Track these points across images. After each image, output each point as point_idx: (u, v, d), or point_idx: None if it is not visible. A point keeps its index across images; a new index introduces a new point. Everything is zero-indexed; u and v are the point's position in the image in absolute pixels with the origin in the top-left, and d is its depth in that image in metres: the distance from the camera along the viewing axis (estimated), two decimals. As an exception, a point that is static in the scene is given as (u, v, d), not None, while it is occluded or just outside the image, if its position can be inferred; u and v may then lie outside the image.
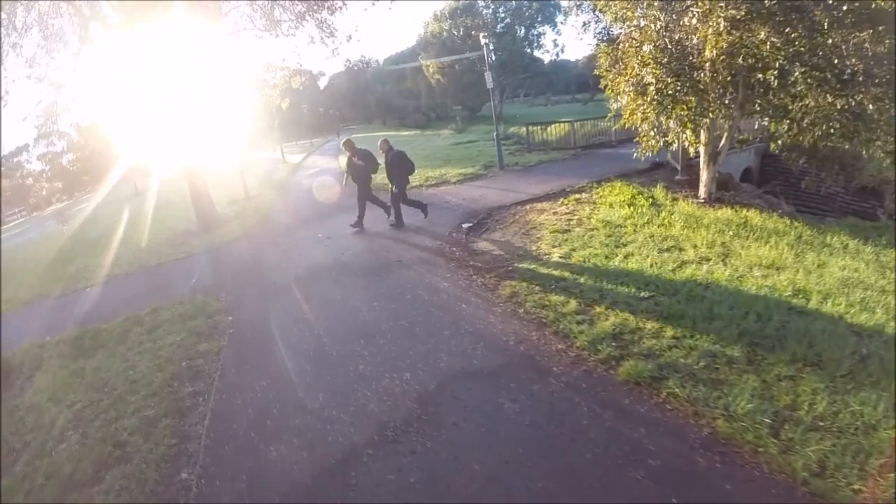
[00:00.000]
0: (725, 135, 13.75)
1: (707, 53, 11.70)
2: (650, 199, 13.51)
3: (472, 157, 25.51)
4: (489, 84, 21.49)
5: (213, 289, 11.23)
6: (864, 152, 11.57)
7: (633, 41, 13.21)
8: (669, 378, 5.57)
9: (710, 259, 9.20)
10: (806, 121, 11.34)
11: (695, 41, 12.20)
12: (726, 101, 12.61)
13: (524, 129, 28.05)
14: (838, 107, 10.62)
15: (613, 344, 6.43)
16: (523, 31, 61.60)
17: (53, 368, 8.64)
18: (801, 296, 7.60)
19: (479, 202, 15.23)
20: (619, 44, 14.18)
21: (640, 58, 12.68)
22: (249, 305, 9.82)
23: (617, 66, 14.12)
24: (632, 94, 13.09)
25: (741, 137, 15.65)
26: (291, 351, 7.52)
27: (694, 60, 12.22)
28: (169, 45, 16.08)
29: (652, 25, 12.71)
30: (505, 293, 8.32)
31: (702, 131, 13.48)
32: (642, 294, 7.76)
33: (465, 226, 12.85)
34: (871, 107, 10.32)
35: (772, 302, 7.30)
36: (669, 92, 12.23)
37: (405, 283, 9.36)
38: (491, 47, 23.14)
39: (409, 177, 13.62)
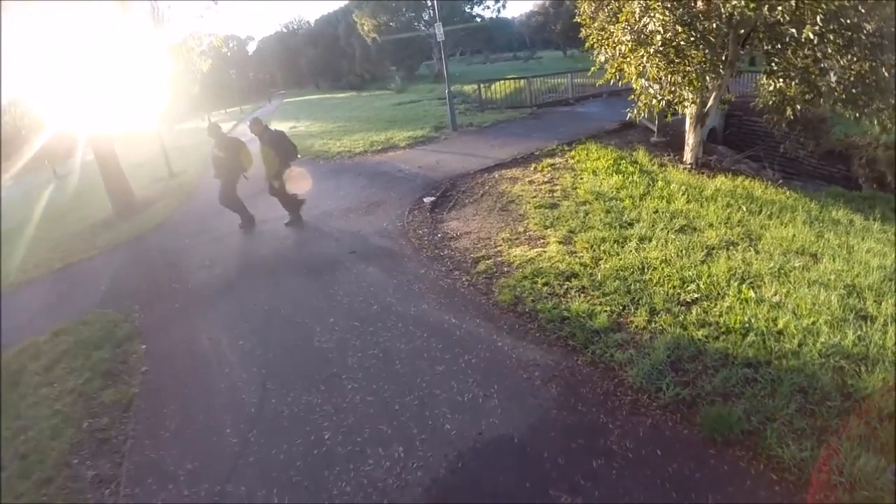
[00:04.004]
0: (714, 94, 12.30)
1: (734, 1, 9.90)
2: (636, 166, 12.10)
3: (419, 118, 23.44)
4: (440, 37, 19.30)
5: (124, 299, 9.04)
6: (873, 122, 10.45)
7: None
8: (767, 429, 4.01)
9: (737, 243, 7.71)
10: (825, 85, 10.16)
11: None
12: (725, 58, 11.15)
13: (473, 87, 26.67)
14: (859, 72, 9.70)
15: (675, 378, 4.73)
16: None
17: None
18: (855, 295, 6.09)
19: (438, 170, 13.35)
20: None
21: (641, 1, 10.73)
22: (168, 326, 7.69)
23: (603, 11, 12.20)
24: (630, 44, 11.16)
25: (726, 97, 14.14)
26: (224, 406, 5.48)
27: (706, 7, 10.44)
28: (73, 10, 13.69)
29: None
30: (504, 298, 6.46)
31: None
32: (684, 296, 6.11)
33: (426, 200, 10.95)
34: (886, 74, 9.48)
35: (831, 305, 5.79)
36: (681, 43, 10.42)
37: (368, 286, 7.41)
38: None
39: (292, 163, 11.01)
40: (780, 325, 5.40)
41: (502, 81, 25.96)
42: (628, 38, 11.14)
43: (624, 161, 12.37)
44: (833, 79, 9.92)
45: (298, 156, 11.04)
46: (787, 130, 14.86)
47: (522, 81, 24.90)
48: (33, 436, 5.80)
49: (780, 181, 12.84)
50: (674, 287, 6.37)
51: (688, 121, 12.99)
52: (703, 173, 12.13)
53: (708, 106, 12.45)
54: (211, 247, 10.75)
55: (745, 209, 9.26)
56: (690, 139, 12.99)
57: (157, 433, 5.32)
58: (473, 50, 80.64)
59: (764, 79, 11.86)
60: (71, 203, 22.83)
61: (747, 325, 5.45)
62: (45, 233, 17.96)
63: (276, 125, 30.69)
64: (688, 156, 13.09)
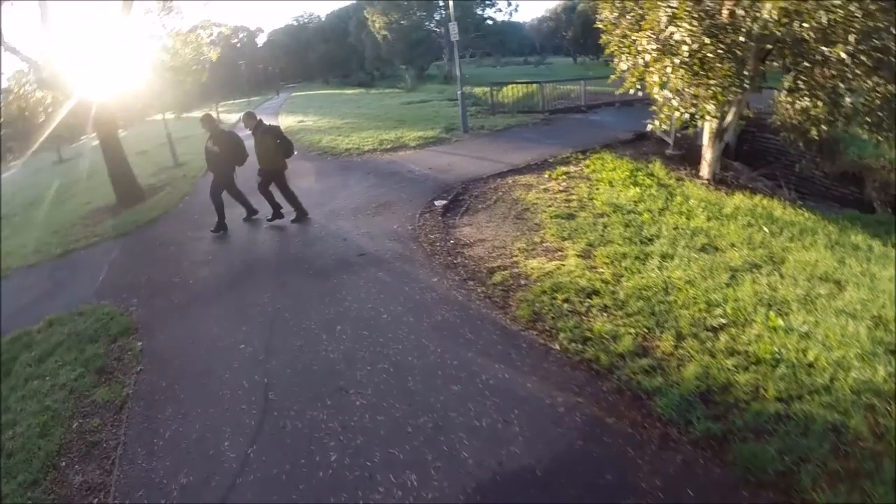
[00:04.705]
0: (734, 110, 11.89)
1: (764, 14, 9.53)
2: (653, 178, 11.76)
3: (429, 119, 23.08)
4: (454, 36, 18.96)
5: (122, 291, 8.78)
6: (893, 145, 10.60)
7: None
8: (801, 471, 3.73)
9: (760, 266, 7.37)
10: (850, 107, 9.91)
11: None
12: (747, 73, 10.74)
13: (483, 89, 26.36)
14: (885, 95, 9.45)
15: (706, 411, 4.41)
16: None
17: None
18: (882, 327, 5.73)
19: (450, 172, 12.98)
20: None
21: (668, 9, 10.36)
22: (166, 323, 7.38)
23: (625, 18, 11.83)
24: (654, 53, 10.81)
25: (745, 113, 13.83)
26: (223, 416, 5.15)
27: (730, 19, 10.10)
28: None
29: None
30: (522, 313, 6.13)
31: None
32: (710, 321, 5.79)
33: (438, 203, 10.60)
34: None
35: (860, 338, 5.46)
36: (708, 55, 10.08)
37: (377, 293, 7.07)
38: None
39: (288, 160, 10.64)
40: (811, 357, 5.09)
41: (513, 85, 25.64)
42: (653, 47, 10.79)
43: (640, 173, 12.02)
44: (860, 100, 9.66)
45: (296, 152, 10.67)
46: (802, 150, 14.61)
47: (534, 86, 24.49)
48: (21, 432, 5.55)
49: (798, 202, 12.55)
50: (700, 310, 6.04)
51: (706, 135, 12.63)
52: (720, 189, 11.80)
53: (728, 121, 12.11)
54: (214, 241, 10.44)
55: (766, 230, 8.94)
56: (708, 154, 12.64)
57: (151, 440, 5.03)
58: (483, 52, 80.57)
59: (782, 96, 11.55)
60: (74, 187, 22.57)
61: (777, 355, 5.15)
62: (46, 216, 17.71)
63: (283, 118, 30.63)
64: (705, 171, 12.74)
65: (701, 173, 12.80)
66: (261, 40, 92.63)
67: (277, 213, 10.68)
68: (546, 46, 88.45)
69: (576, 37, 72.35)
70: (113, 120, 16.13)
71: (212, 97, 43.40)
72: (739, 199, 10.72)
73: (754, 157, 19.89)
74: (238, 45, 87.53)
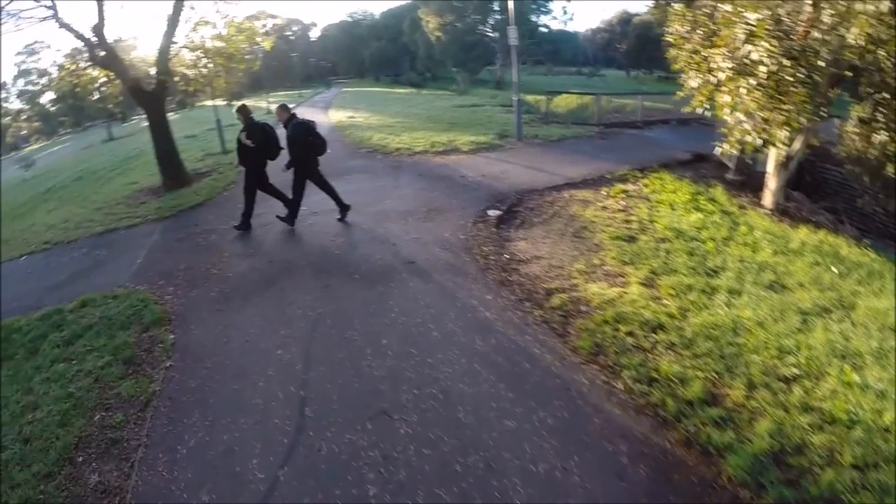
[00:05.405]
0: (801, 137, 11.24)
1: (850, 38, 8.87)
2: (715, 204, 11.21)
3: (482, 124, 22.51)
4: (513, 41, 18.41)
5: (159, 278, 8.50)
6: None
7: (735, 4, 10.23)
8: None
9: (830, 311, 6.80)
10: None
11: (827, 19, 9.38)
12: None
13: (535, 97, 25.83)
14: None
15: (780, 475, 3.96)
16: (531, -7, 59.16)
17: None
18: None
19: (503, 181, 12.46)
20: (702, 7, 11.25)
21: (745, 26, 9.71)
22: (201, 317, 7.04)
23: (697, 33, 11.19)
24: (728, 72, 10.16)
25: (812, 142, 13.13)
26: (253, 429, 4.75)
27: (807, 41, 9.47)
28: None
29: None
30: (583, 345, 5.62)
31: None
32: (783, 370, 5.29)
33: (492, 213, 10.11)
34: None
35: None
36: (786, 77, 9.42)
37: (427, 307, 6.61)
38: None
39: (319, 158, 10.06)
40: (887, 420, 4.58)
41: (567, 95, 25.09)
42: (728, 65, 10.15)
43: (702, 197, 11.46)
44: None
45: (329, 150, 10.18)
46: (867, 184, 13.94)
47: (589, 98, 23.91)
48: (41, 417, 5.31)
49: (864, 240, 11.86)
50: (771, 357, 5.50)
51: (770, 162, 11.99)
52: (783, 221, 11.19)
53: (795, 149, 11.47)
54: (256, 233, 10.13)
55: (834, 270, 8.36)
56: (772, 182, 12.02)
57: (174, 446, 4.67)
58: (535, 60, 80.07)
59: (850, 126, 10.87)
60: (121, 166, 22.69)
61: (853, 415, 4.65)
62: (92, 193, 17.73)
63: (334, 112, 30.56)
64: (768, 200, 12.11)
65: (763, 202, 12.19)
66: (314, 34, 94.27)
67: (291, 213, 10.22)
68: (599, 58, 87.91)
69: (630, 50, 71.63)
70: (162, 102, 16.02)
71: (263, 87, 43.83)
72: (804, 234, 10.16)
73: (813, 187, 19.24)
74: (292, 37, 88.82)
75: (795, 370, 5.33)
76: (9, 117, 70.52)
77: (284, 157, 9.85)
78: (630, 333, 5.82)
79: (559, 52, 76.29)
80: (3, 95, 67.87)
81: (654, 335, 5.84)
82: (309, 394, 5.11)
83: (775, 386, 5.03)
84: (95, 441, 4.87)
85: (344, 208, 10.21)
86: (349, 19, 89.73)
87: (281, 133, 9.92)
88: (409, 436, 4.43)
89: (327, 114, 30.95)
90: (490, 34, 62.83)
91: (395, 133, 20.25)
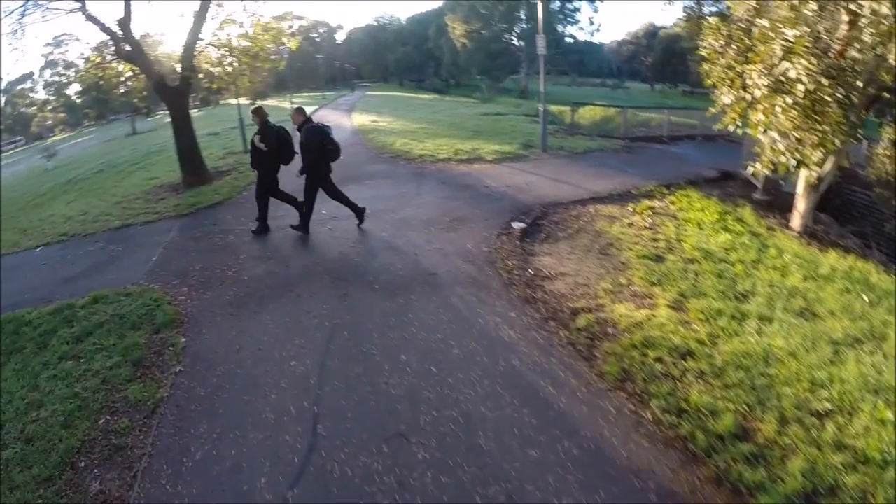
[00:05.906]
0: (833, 159, 10.93)
1: (891, 58, 8.57)
2: (744, 225, 10.89)
3: (506, 133, 22.33)
4: (541, 50, 18.20)
5: (173, 277, 8.36)
6: None
7: (773, 20, 9.92)
8: None
9: (862, 342, 6.46)
10: None
11: (868, 38, 9.07)
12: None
13: (559, 108, 25.59)
14: None
15: None
16: (558, 3, 58.93)
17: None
18: None
19: (528, 193, 12.21)
20: (738, 21, 10.95)
21: (783, 42, 9.40)
22: (214, 321, 6.86)
23: (732, 48, 10.88)
24: (765, 90, 9.84)
25: (842, 164, 12.81)
26: (263, 445, 4.54)
27: (842, 60, 9.16)
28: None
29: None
30: (611, 370, 5.35)
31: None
32: (815, 404, 5.01)
33: (516, 226, 9.87)
34: None
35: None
36: (824, 97, 9.11)
37: (448, 322, 6.37)
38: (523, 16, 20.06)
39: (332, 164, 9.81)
40: None
41: (592, 107, 24.83)
42: (764, 82, 9.84)
43: (730, 217, 11.15)
44: None
45: (342, 157, 9.93)
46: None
47: (614, 110, 23.64)
48: (45, 417, 5.18)
49: (894, 267, 11.54)
50: (804, 390, 5.21)
51: (800, 183, 11.62)
52: (812, 244, 10.86)
53: (827, 171, 11.14)
54: (274, 236, 9.96)
55: (865, 298, 7.98)
56: (801, 204, 11.64)
57: (180, 458, 4.47)
58: (560, 70, 79.99)
59: (880, 148, 10.55)
60: (142, 161, 22.71)
61: (886, 454, 4.37)
62: (112, 186, 17.71)
63: (357, 116, 30.48)
64: (796, 222, 11.74)
65: (791, 224, 11.84)
66: (340, 37, 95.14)
67: (303, 221, 9.98)
68: (624, 70, 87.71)
69: (655, 63, 71.36)
70: (186, 98, 15.96)
71: (287, 87, 43.96)
72: (834, 258, 9.81)
73: (840, 210, 18.94)
74: (318, 39, 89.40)
75: (828, 405, 5.05)
76: (35, 107, 71.52)
77: (298, 162, 9.67)
78: (659, 360, 5.55)
79: (584, 62, 76.12)
80: (30, 85, 68.92)
81: (683, 362, 5.56)
82: (322, 410, 4.89)
83: (808, 421, 4.75)
84: (99, 446, 4.71)
85: (359, 212, 10.02)
86: (375, 23, 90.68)
87: (296, 137, 9.73)
88: (426, 462, 4.19)
89: (350, 117, 30.80)
90: (516, 43, 62.78)
91: (419, 139, 20.07)
